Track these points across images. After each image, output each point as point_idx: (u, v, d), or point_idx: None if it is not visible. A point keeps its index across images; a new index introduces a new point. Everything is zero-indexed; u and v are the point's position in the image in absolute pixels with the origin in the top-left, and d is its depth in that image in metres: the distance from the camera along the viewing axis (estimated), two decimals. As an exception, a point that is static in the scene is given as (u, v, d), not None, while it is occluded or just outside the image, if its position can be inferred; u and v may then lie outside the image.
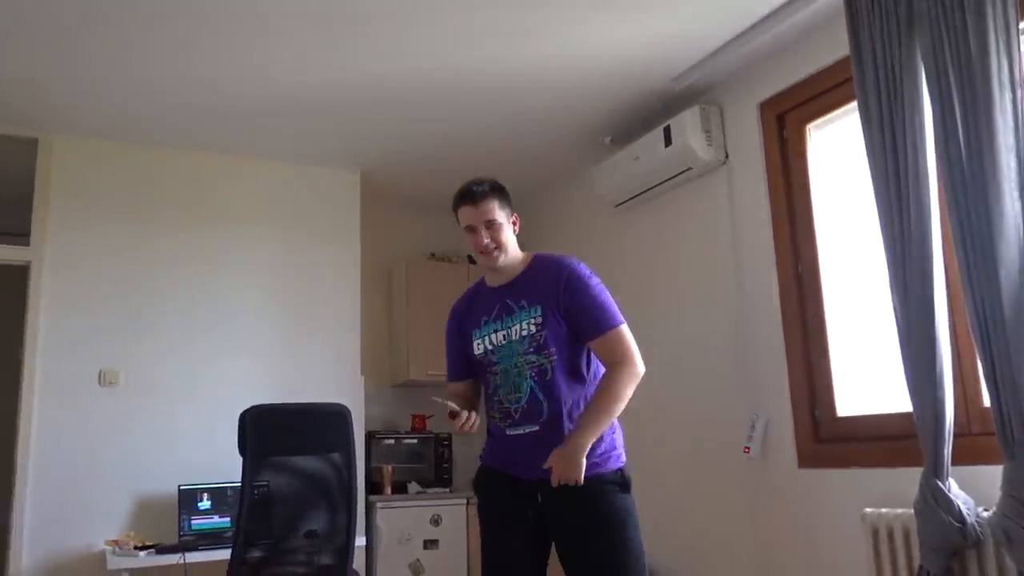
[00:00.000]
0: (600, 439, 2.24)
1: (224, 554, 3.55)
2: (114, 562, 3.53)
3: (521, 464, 2.31)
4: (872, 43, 2.72)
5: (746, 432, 3.49)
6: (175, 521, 3.94)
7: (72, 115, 3.97)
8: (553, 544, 2.32)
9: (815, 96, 3.32)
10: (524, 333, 2.30)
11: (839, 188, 3.31)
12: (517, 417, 2.31)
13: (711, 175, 3.83)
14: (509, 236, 2.38)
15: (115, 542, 3.75)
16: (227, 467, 4.09)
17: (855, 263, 3.21)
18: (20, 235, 4.07)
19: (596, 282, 2.35)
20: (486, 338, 2.38)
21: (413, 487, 4.75)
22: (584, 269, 2.36)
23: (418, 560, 4.41)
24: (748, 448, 3.46)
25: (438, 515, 4.55)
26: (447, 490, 4.82)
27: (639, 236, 4.35)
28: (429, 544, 4.48)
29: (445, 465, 4.86)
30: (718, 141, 3.73)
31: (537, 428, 2.28)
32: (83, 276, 4.12)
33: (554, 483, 2.17)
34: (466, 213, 2.35)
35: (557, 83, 3.74)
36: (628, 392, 2.26)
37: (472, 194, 2.35)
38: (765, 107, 3.57)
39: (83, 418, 3.99)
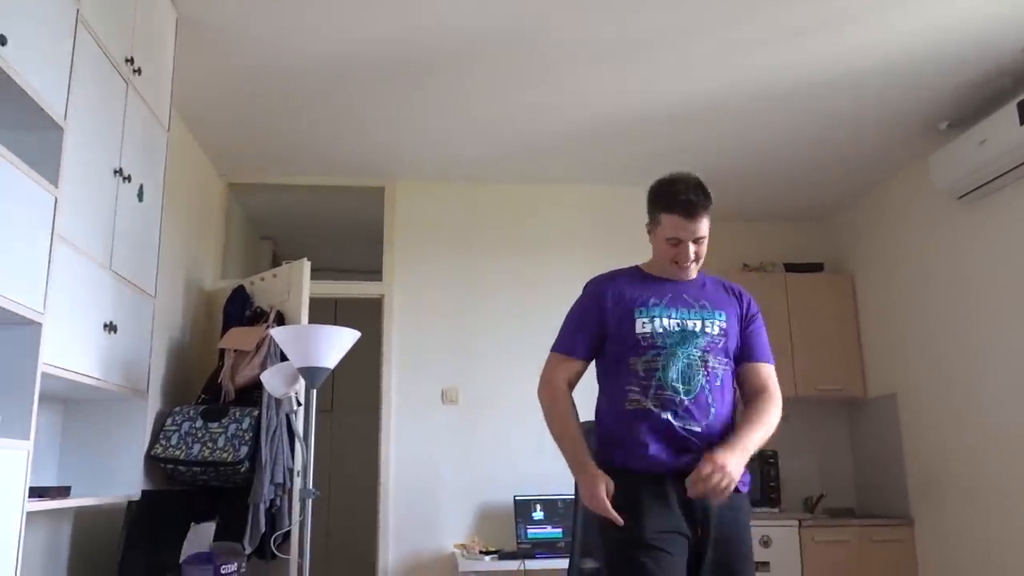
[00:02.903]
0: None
1: (558, 563, 3.76)
2: (464, 565, 3.87)
3: (682, 464, 2.08)
4: None
5: None
6: (512, 528, 4.23)
7: (409, 162, 4.48)
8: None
9: None
10: (708, 331, 2.18)
11: None
12: (683, 408, 2.10)
13: (1083, 152, 3.26)
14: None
15: (463, 546, 4.12)
16: (556, 479, 4.32)
17: None
18: (375, 272, 4.67)
19: None
20: (656, 319, 2.19)
21: (738, 506, 4.60)
22: None
23: (749, 582, 4.26)
24: None
25: (768, 536, 4.36)
26: (776, 510, 4.60)
27: (989, 231, 3.83)
28: (760, 566, 4.30)
29: (772, 484, 4.65)
30: (1090, 111, 3.17)
31: (700, 429, 2.10)
32: (425, 304, 4.61)
33: (695, 494, 2.01)
34: (677, 225, 2.16)
35: (879, 71, 3.44)
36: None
37: (690, 206, 2.13)
38: None
39: (430, 432, 4.45)
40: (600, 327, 2.25)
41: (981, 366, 3.87)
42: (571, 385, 2.30)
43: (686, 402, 2.11)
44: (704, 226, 2.16)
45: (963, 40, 3.20)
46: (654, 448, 2.10)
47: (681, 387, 2.12)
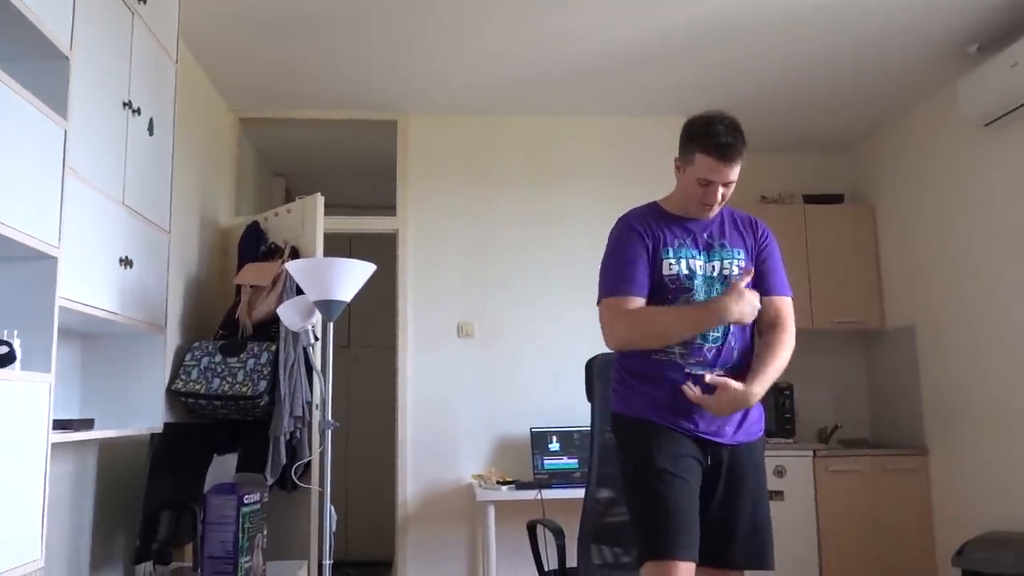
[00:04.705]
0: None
1: (573, 492, 3.81)
2: (482, 495, 3.93)
3: (696, 415, 2.10)
4: None
5: None
6: (528, 460, 4.28)
7: (422, 95, 4.39)
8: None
9: None
10: (727, 272, 2.17)
11: None
12: (710, 357, 2.11)
13: (1118, 74, 3.15)
14: None
15: (480, 477, 4.18)
16: (572, 412, 4.36)
17: None
18: (389, 207, 4.64)
19: None
20: (682, 261, 2.16)
21: (753, 437, 4.64)
22: None
23: (763, 511, 4.32)
24: None
25: (782, 466, 4.40)
26: (790, 440, 4.63)
27: (1016, 159, 3.73)
28: (774, 495, 4.36)
29: (787, 415, 4.67)
30: None
31: (724, 374, 2.11)
32: (440, 239, 4.58)
33: (711, 407, 2.05)
34: (710, 167, 2.08)
35: (908, -9, 3.31)
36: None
37: (727, 149, 2.06)
38: None
39: (447, 366, 4.48)
40: (645, 266, 2.17)
41: (1003, 297, 3.82)
42: None
43: (715, 349, 2.11)
44: (737, 171, 2.11)
45: (997, -44, 3.06)
46: (678, 405, 2.10)
47: (711, 335, 2.11)
